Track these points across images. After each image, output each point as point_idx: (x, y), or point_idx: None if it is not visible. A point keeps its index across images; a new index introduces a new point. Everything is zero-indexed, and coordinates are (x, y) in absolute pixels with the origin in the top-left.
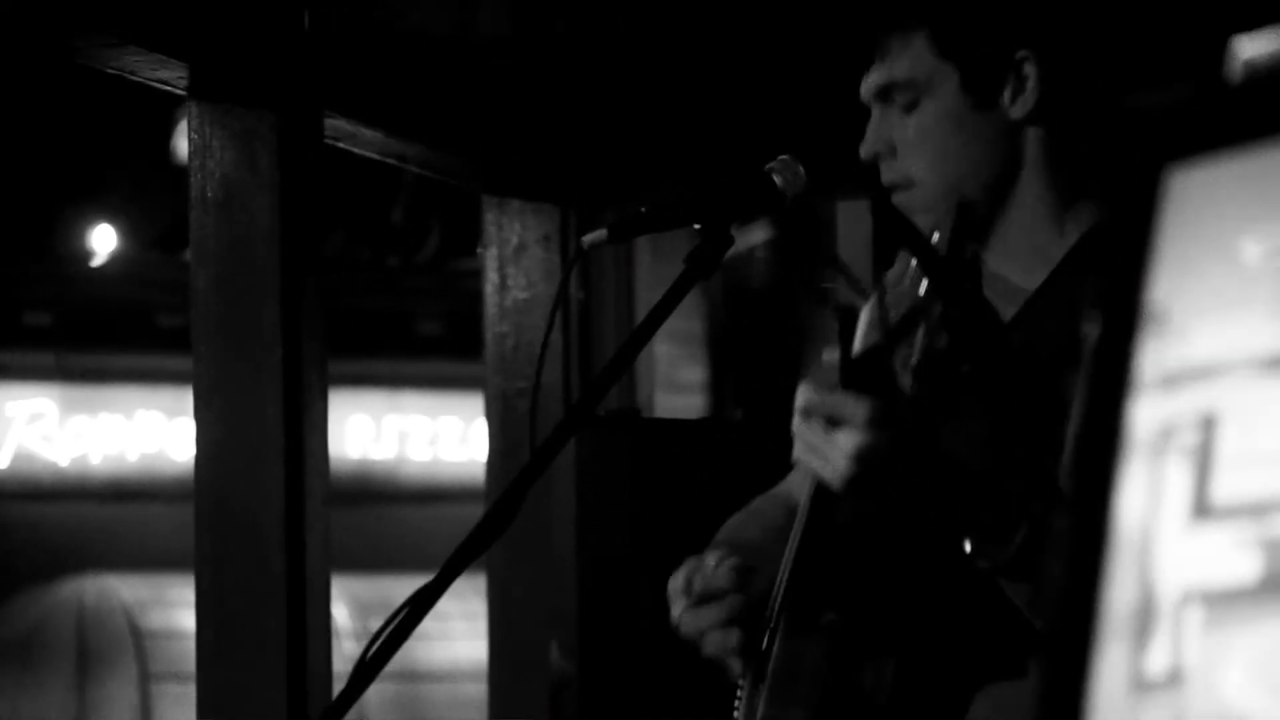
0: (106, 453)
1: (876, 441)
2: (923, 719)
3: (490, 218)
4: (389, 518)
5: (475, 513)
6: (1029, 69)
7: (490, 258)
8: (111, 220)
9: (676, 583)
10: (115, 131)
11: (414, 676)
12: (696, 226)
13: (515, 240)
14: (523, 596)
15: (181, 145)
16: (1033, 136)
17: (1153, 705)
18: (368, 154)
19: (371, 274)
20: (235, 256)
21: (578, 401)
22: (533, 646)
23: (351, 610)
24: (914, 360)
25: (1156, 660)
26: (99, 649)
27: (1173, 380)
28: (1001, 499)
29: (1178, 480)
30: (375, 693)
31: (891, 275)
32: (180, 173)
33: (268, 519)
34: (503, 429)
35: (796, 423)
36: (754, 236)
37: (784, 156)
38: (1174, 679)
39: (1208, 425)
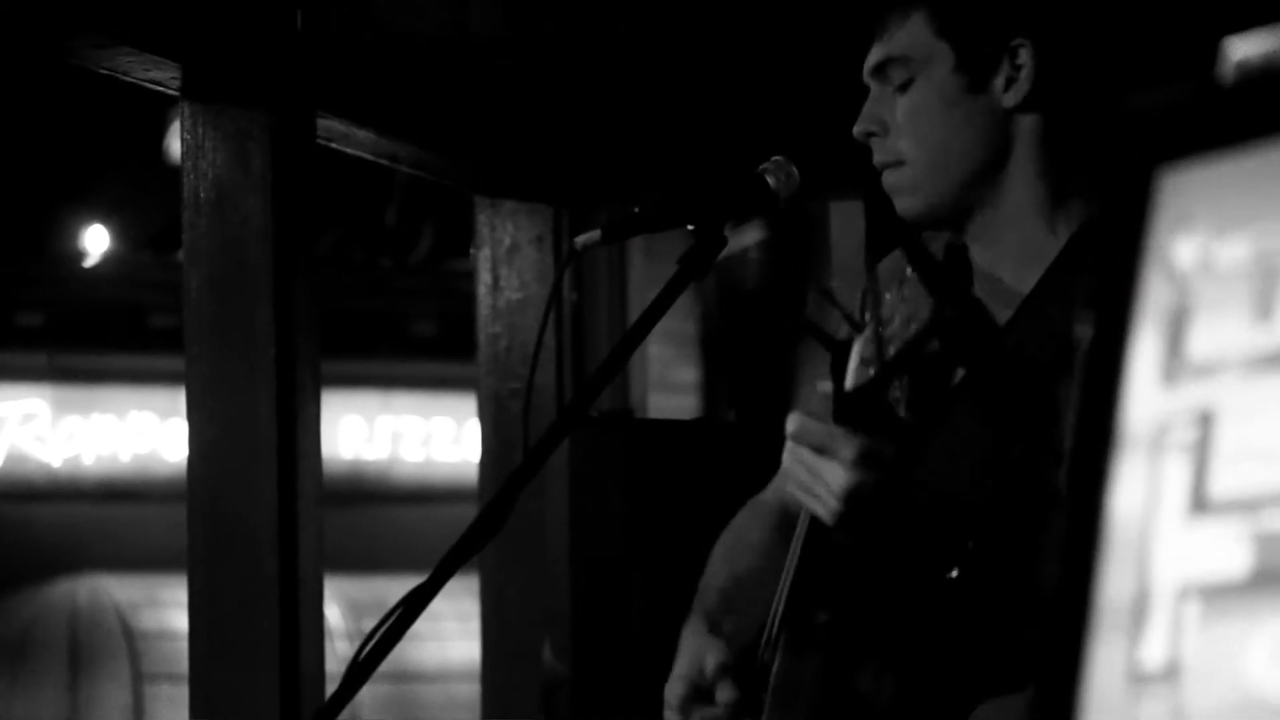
0: (99, 453)
1: (864, 480)
2: None
3: (483, 218)
4: (382, 518)
5: (468, 513)
6: (1024, 57)
7: (483, 258)
8: (104, 221)
9: (674, 696)
10: (108, 132)
11: (407, 677)
12: (690, 227)
13: (508, 241)
14: (516, 597)
15: (174, 146)
16: (1024, 126)
17: (1150, 698)
18: (360, 154)
19: (364, 274)
20: (228, 257)
21: (571, 402)
22: (526, 647)
23: (344, 611)
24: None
25: (1154, 653)
26: (91, 649)
27: (1171, 377)
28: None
29: (1176, 476)
30: (368, 693)
31: (884, 268)
32: (173, 173)
33: (261, 519)
34: (496, 430)
35: (786, 450)
36: (747, 237)
37: (777, 157)
38: (1172, 672)
39: (1205, 422)
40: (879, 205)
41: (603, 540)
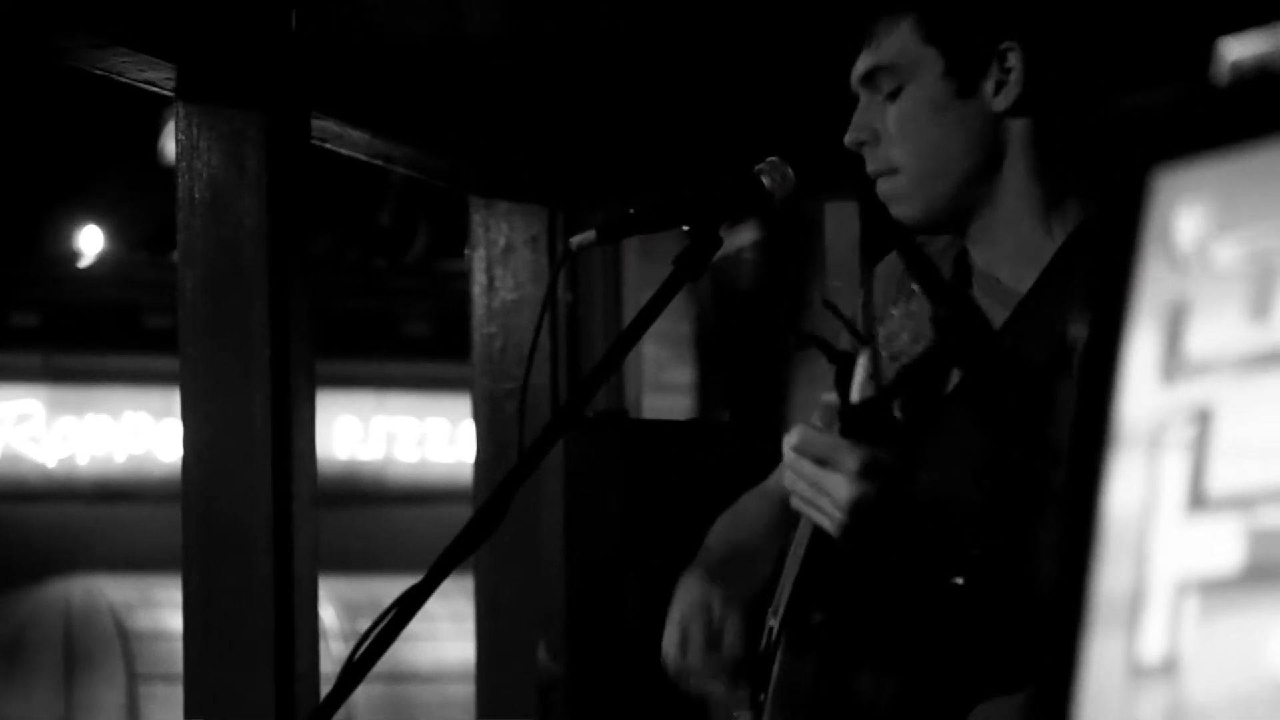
0: (94, 454)
1: (867, 492)
2: None
3: (478, 219)
4: (377, 519)
5: (463, 514)
6: (1014, 60)
7: (478, 259)
8: (99, 221)
9: (672, 633)
10: (103, 133)
11: (402, 677)
12: (685, 228)
13: (503, 241)
14: (510, 597)
15: (169, 146)
16: (1016, 130)
17: (1150, 692)
18: (355, 155)
19: (359, 275)
20: (223, 257)
21: (566, 403)
22: (520, 647)
23: (339, 611)
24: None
25: (1153, 648)
26: (86, 650)
27: (1169, 375)
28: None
29: (1175, 472)
30: (363, 693)
31: (881, 272)
32: (168, 174)
33: (255, 520)
34: (490, 430)
35: (790, 459)
36: (742, 238)
37: (772, 158)
38: (1171, 667)
39: (1203, 419)
40: (874, 206)
41: (598, 541)
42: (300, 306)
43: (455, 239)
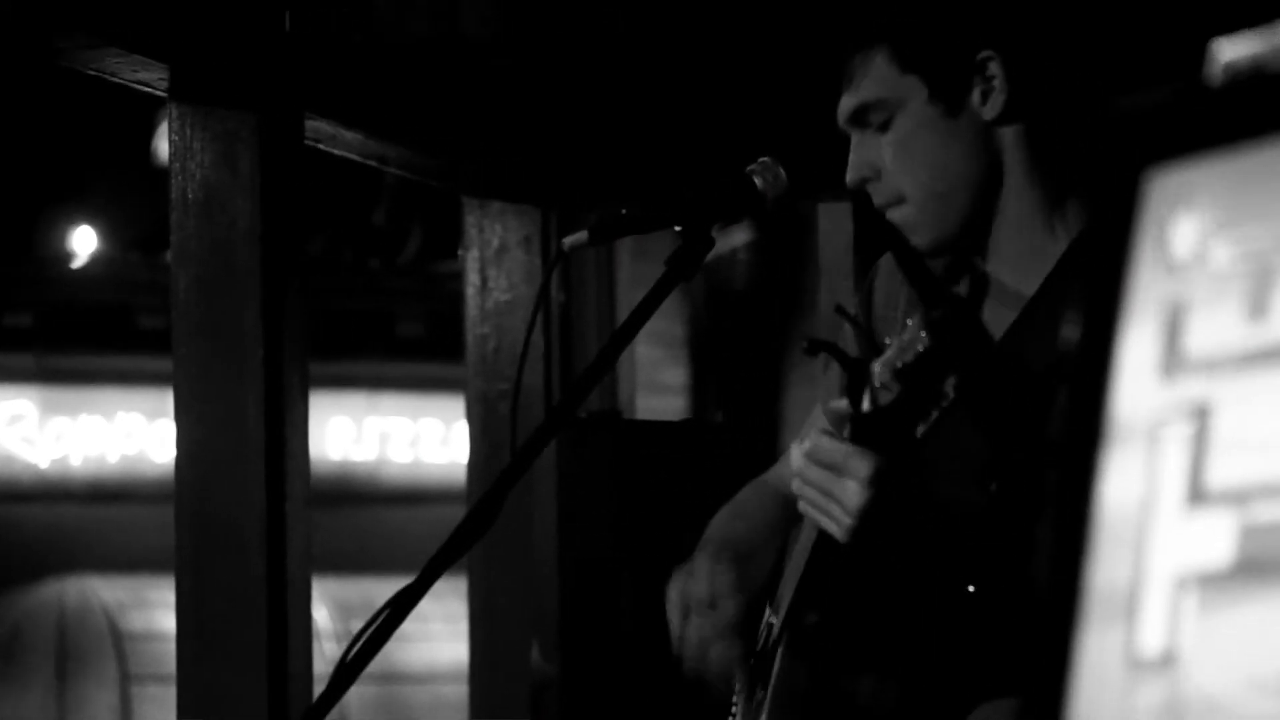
0: (87, 454)
1: (877, 499)
2: None
3: (471, 219)
4: (370, 519)
5: (456, 514)
6: (994, 68)
7: (471, 259)
8: (92, 222)
9: (674, 596)
10: (96, 133)
11: (395, 678)
12: (678, 228)
13: (496, 242)
14: (504, 598)
15: (162, 147)
16: (1010, 136)
17: (1149, 684)
18: (349, 155)
19: (352, 276)
20: (216, 258)
21: (559, 403)
22: (514, 648)
23: (332, 612)
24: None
25: (1152, 641)
26: (79, 650)
27: (1169, 372)
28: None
29: (1174, 467)
30: (356, 694)
31: (883, 265)
32: (161, 174)
33: (248, 520)
34: (484, 431)
35: (800, 465)
36: (735, 239)
37: (765, 158)
38: (1170, 659)
39: (1202, 415)
40: (868, 208)
41: (591, 541)
42: (293, 307)
43: (449, 240)
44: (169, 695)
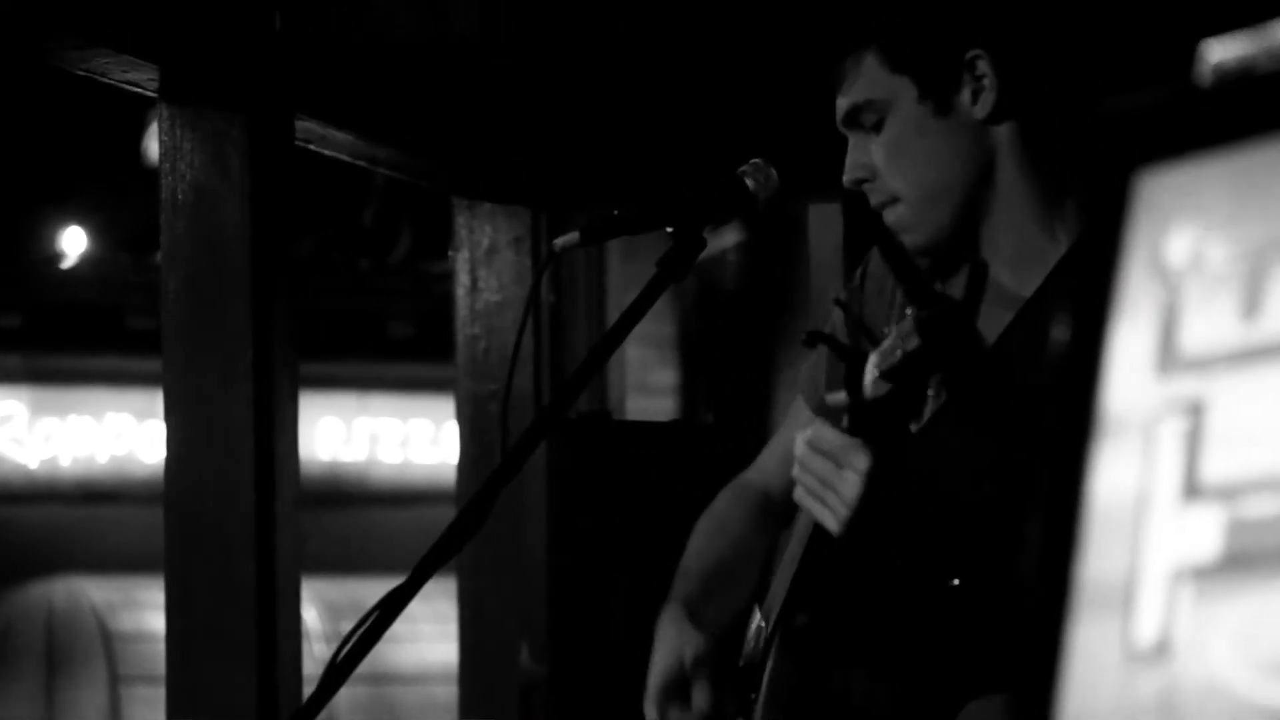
0: (76, 455)
1: (874, 492)
2: None
3: (461, 220)
4: (360, 520)
5: (446, 515)
6: (983, 67)
7: (461, 260)
8: (82, 222)
9: (653, 690)
10: (86, 134)
11: (384, 679)
12: (668, 229)
13: (486, 243)
14: (493, 599)
15: (152, 148)
16: (1003, 135)
17: (1146, 676)
18: (339, 156)
19: (342, 276)
20: (205, 259)
21: (549, 404)
22: (503, 649)
23: (322, 613)
24: (884, 366)
25: (1148, 633)
26: (68, 651)
27: (1164, 369)
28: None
29: (1169, 462)
30: (346, 695)
31: (875, 254)
32: (151, 175)
33: (238, 521)
34: (474, 432)
35: (802, 453)
36: (726, 240)
37: (756, 159)
38: (1165, 652)
39: (1196, 412)
40: (857, 208)
41: (580, 542)
42: (283, 308)
43: (439, 240)
44: (158, 696)
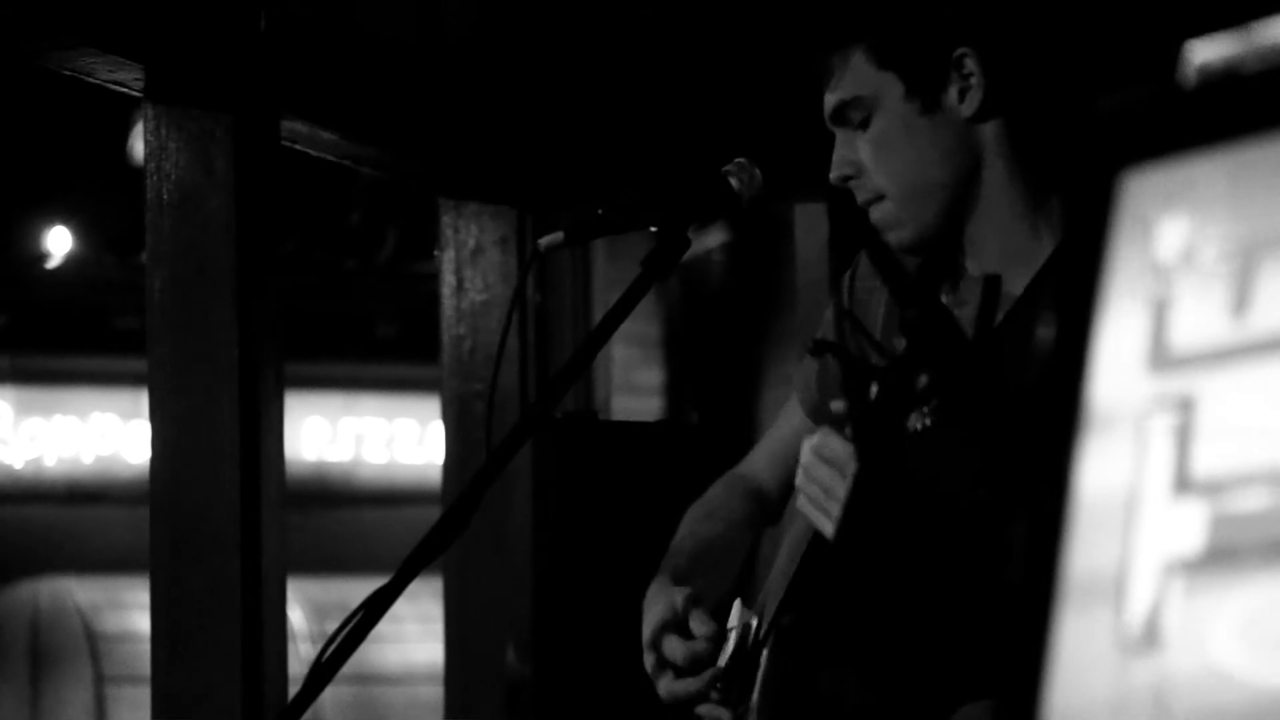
0: (61, 455)
1: (874, 499)
2: None
3: (447, 220)
4: (345, 520)
5: (431, 515)
6: (970, 64)
7: (447, 260)
8: (67, 222)
9: (649, 636)
10: (71, 134)
11: (370, 679)
12: (653, 229)
13: (472, 243)
14: (479, 599)
15: (137, 148)
16: (990, 133)
17: (1138, 667)
18: (324, 156)
19: (328, 276)
20: (191, 259)
21: (534, 404)
22: (488, 649)
23: (307, 613)
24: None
25: (1140, 625)
26: (53, 652)
27: (1156, 365)
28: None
29: (1160, 457)
30: (331, 695)
31: (863, 256)
32: (136, 175)
33: (223, 521)
34: (459, 431)
35: (807, 460)
36: (711, 239)
37: (740, 159)
38: (1157, 644)
39: (1187, 407)
40: (843, 208)
41: (566, 542)
42: (268, 308)
43: (425, 240)
44: (143, 696)
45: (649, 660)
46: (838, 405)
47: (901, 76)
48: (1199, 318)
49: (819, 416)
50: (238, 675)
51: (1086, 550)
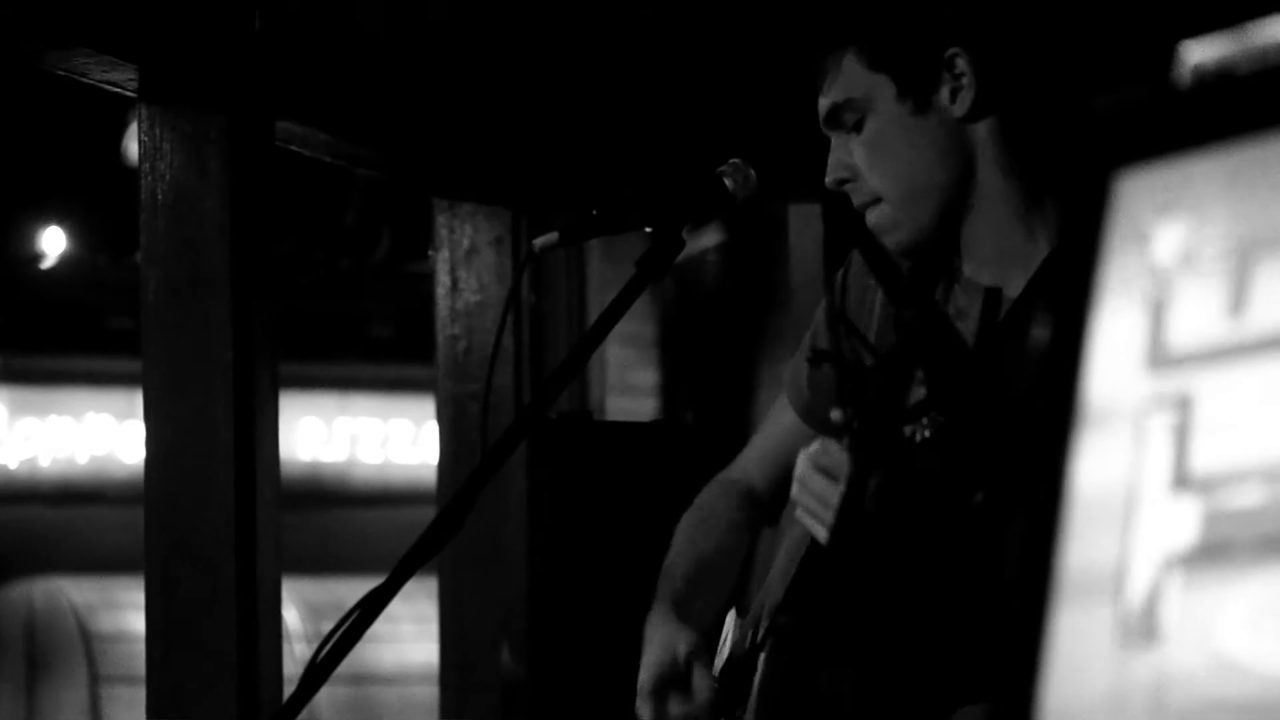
0: (56, 455)
1: (871, 509)
2: None
3: (442, 220)
4: (340, 520)
5: (426, 515)
6: (961, 64)
7: (441, 260)
8: (61, 222)
9: (648, 684)
10: (65, 134)
11: (365, 679)
12: (648, 230)
13: (467, 243)
14: (474, 599)
15: (132, 148)
16: (983, 133)
17: (1137, 660)
18: (319, 156)
19: (323, 276)
20: (185, 259)
21: (529, 404)
22: (483, 649)
23: (302, 613)
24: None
25: (1139, 618)
26: (48, 652)
27: (1154, 364)
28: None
29: (1158, 454)
30: (326, 695)
31: (855, 258)
32: (130, 175)
33: (218, 521)
34: (454, 432)
35: (803, 470)
36: (705, 240)
37: (735, 159)
38: (1156, 637)
39: (1184, 405)
40: (837, 208)
41: (561, 542)
42: (263, 308)
43: (419, 241)
44: (138, 696)
45: (646, 708)
46: (835, 415)
47: (893, 78)
48: (1196, 317)
49: (813, 419)
50: (233, 675)
51: (1083, 546)
